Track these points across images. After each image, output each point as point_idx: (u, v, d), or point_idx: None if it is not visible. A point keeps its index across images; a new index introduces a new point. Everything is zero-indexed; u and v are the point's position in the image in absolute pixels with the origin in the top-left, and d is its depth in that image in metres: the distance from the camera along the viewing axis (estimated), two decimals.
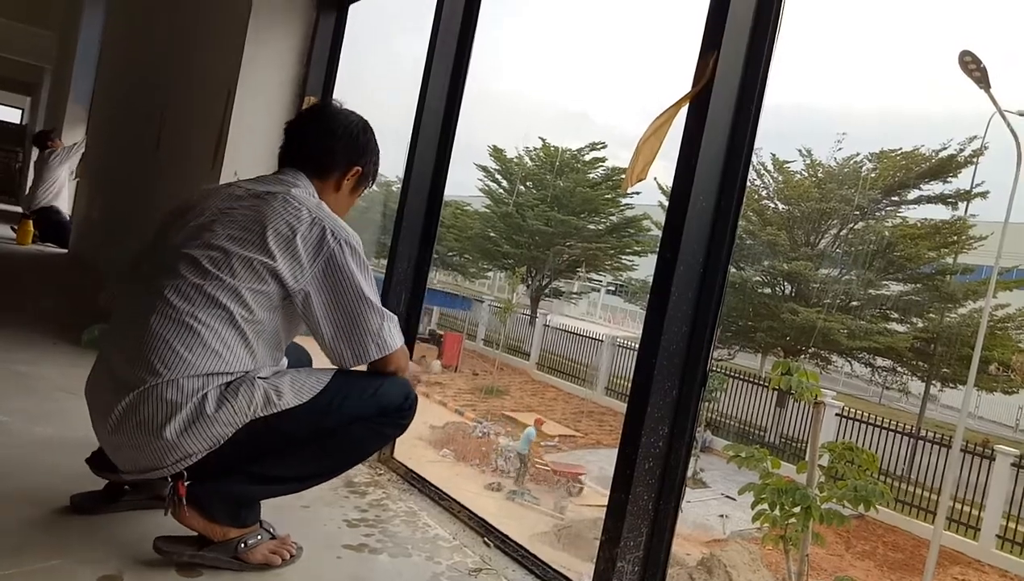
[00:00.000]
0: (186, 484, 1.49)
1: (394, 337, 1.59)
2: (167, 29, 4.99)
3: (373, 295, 1.55)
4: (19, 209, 8.10)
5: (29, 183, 8.33)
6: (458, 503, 2.36)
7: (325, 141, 1.70)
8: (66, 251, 7.27)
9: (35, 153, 8.37)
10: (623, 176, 1.72)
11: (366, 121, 1.78)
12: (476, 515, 2.29)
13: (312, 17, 3.50)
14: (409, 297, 2.68)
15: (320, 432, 1.58)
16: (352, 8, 3.60)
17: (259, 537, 1.67)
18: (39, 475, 1.97)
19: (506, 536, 2.15)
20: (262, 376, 1.51)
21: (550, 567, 1.97)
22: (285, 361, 1.73)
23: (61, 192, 7.76)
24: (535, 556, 2.03)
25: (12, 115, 22.27)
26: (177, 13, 4.82)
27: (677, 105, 1.59)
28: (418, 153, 2.67)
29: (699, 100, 1.56)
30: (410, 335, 2.69)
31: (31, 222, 7.41)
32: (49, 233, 7.53)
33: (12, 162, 16.42)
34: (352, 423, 1.61)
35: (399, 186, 2.86)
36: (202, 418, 1.43)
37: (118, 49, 6.78)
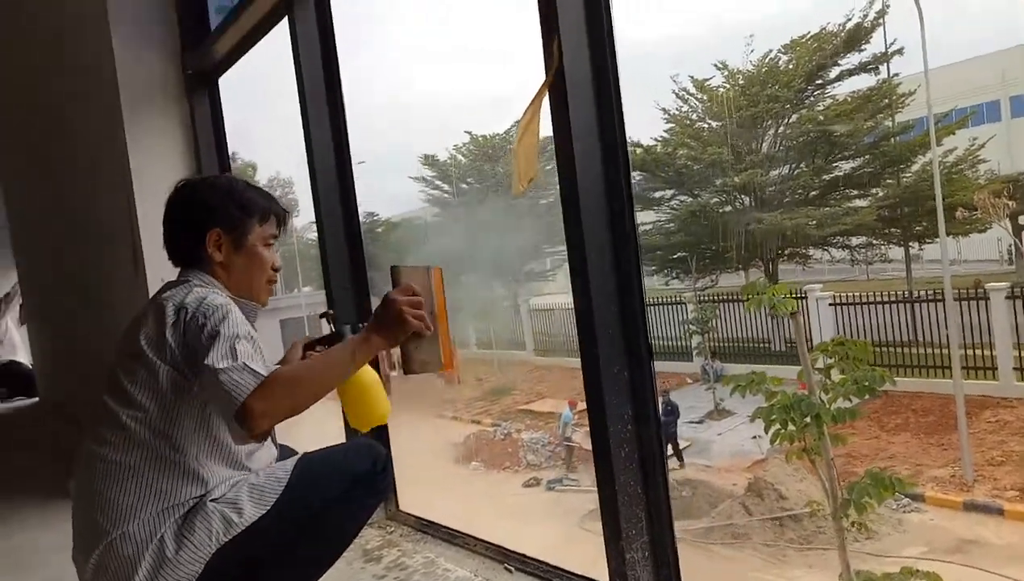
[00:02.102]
0: None
1: (236, 383, 1.25)
2: (56, 156, 4.89)
3: (224, 348, 1.30)
4: None
5: None
6: (472, 537, 2.34)
7: (173, 232, 1.58)
8: (37, 399, 7.14)
9: None
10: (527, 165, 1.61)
11: (205, 181, 1.66)
12: (493, 544, 2.26)
13: (185, 105, 3.43)
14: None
15: (299, 530, 1.50)
16: (223, 80, 3.53)
17: None
18: None
19: (525, 556, 2.13)
20: (214, 498, 1.44)
21: (573, 574, 1.95)
22: (272, 452, 1.62)
23: (14, 344, 7.63)
24: (557, 568, 2.01)
25: None
26: (58, 139, 4.71)
27: (538, 97, 1.55)
28: (321, 197, 2.64)
29: (556, 85, 1.52)
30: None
31: None
32: (15, 387, 7.38)
33: None
34: (328, 509, 1.53)
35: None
36: (165, 563, 1.38)
37: (20, 188, 6.64)
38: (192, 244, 1.54)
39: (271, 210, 1.61)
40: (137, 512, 1.38)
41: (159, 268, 3.40)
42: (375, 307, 1.40)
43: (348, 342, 1.39)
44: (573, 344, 17.01)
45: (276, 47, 3.27)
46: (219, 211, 1.55)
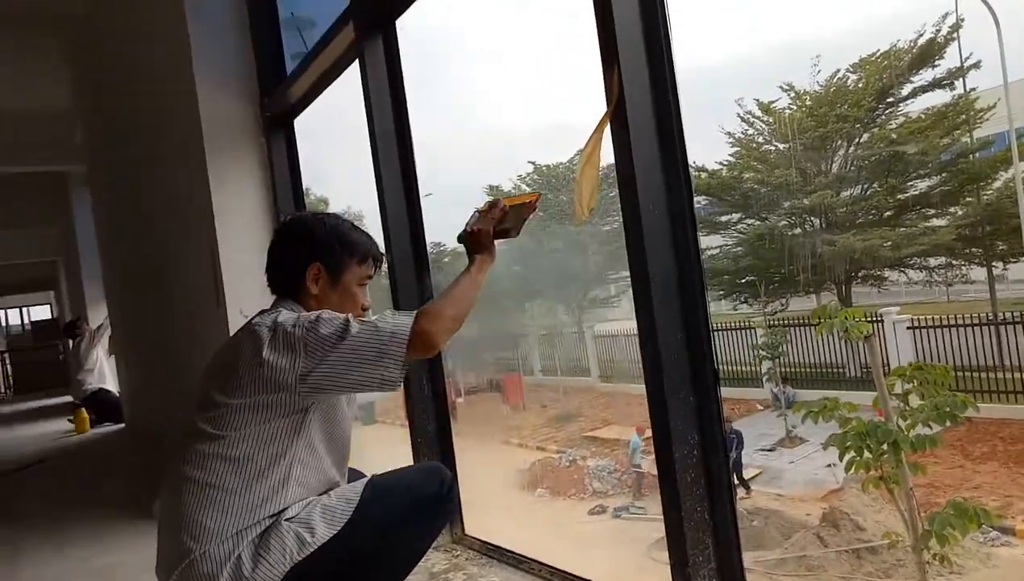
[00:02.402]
0: None
1: (395, 323, 1.47)
2: (142, 196, 5.18)
3: (355, 325, 1.47)
4: (71, 398, 8.39)
5: (72, 373, 8.65)
6: (539, 562, 2.35)
7: (276, 262, 1.70)
8: (123, 426, 7.49)
9: (71, 343, 8.70)
10: (586, 196, 1.68)
11: (307, 216, 1.75)
12: (560, 570, 2.27)
13: (262, 144, 3.61)
14: (429, 373, 2.71)
15: (367, 551, 1.56)
16: (298, 121, 3.71)
17: None
18: None
19: None
20: (289, 517, 1.50)
21: None
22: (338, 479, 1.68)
23: (103, 372, 8.04)
24: None
25: (42, 311, 23.22)
26: (146, 179, 5.00)
27: (600, 128, 1.60)
28: (391, 230, 2.74)
29: (617, 116, 1.57)
30: (442, 406, 2.72)
31: (84, 409, 7.67)
32: (103, 414, 7.77)
33: (55, 356, 17.10)
34: (396, 530, 1.58)
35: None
36: (242, 578, 1.44)
37: (109, 224, 7.05)
38: (292, 274, 1.65)
39: (371, 252, 1.72)
40: (218, 532, 1.46)
41: (239, 301, 3.58)
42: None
43: (470, 269, 1.60)
44: (638, 370, 16.82)
45: (348, 86, 3.43)
46: (323, 246, 1.66)
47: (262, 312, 1.66)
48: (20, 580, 3.02)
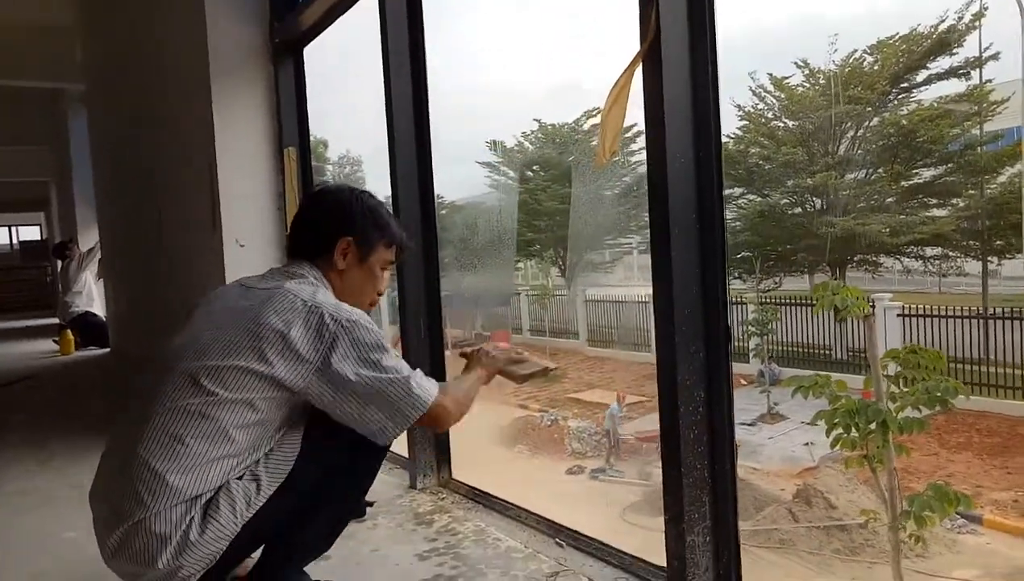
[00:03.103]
0: None
1: (424, 390, 1.51)
2: (143, 117, 5.06)
3: (389, 361, 1.49)
4: (57, 320, 8.33)
5: (60, 294, 8.59)
6: (524, 509, 2.35)
7: (303, 227, 1.69)
8: (109, 350, 7.46)
9: (59, 264, 8.62)
10: (609, 144, 1.67)
11: (347, 190, 1.73)
12: (544, 518, 2.27)
13: (270, 71, 3.51)
14: (427, 319, 2.67)
15: (311, 488, 1.54)
16: (312, 45, 3.59)
17: None
18: None
19: (578, 532, 2.13)
20: (238, 476, 1.46)
21: (626, 554, 1.94)
22: None
23: (91, 296, 7.98)
24: (610, 546, 2.00)
25: (33, 233, 22.98)
26: (147, 100, 4.88)
27: (630, 68, 1.53)
28: (399, 171, 2.66)
29: (651, 56, 1.50)
30: (437, 354, 2.69)
31: (69, 331, 7.62)
32: (89, 337, 7.73)
33: (43, 277, 16.99)
34: (337, 475, 1.58)
35: None
36: (189, 545, 1.39)
37: (106, 146, 6.91)
38: (322, 243, 1.64)
39: (398, 239, 1.74)
40: (181, 493, 1.39)
41: (235, 229, 3.52)
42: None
43: (475, 375, 1.74)
44: (627, 337, 16.90)
45: (354, 25, 3.33)
46: (359, 223, 1.67)
47: (277, 273, 1.63)
48: (7, 491, 3.01)
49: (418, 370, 1.54)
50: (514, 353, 1.83)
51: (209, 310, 1.56)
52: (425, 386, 1.51)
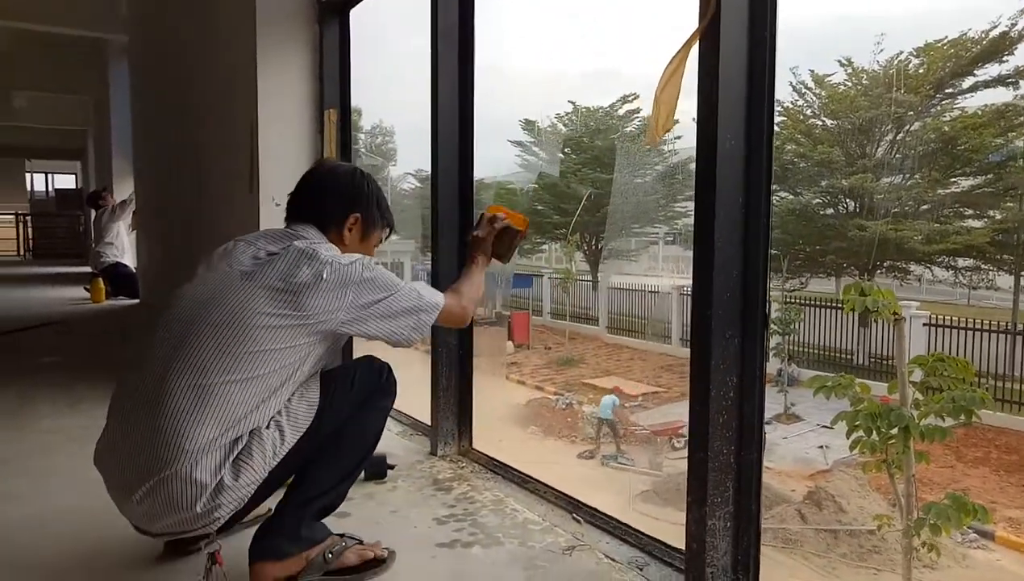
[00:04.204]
0: (220, 552, 1.60)
1: (434, 294, 1.71)
2: (184, 72, 5.10)
3: (399, 285, 1.64)
4: (89, 269, 8.47)
5: (92, 243, 8.72)
6: (543, 483, 2.36)
7: (317, 195, 1.76)
8: (138, 301, 7.57)
9: (93, 214, 8.74)
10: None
11: (358, 170, 1.84)
12: (563, 493, 2.28)
13: (315, 31, 3.51)
14: None
15: (326, 441, 1.66)
16: (354, 11, 3.59)
17: (344, 544, 1.74)
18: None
19: (596, 509, 2.14)
20: (266, 424, 1.55)
21: (644, 534, 1.95)
22: None
23: (123, 246, 8.09)
24: (627, 525, 2.02)
25: (67, 181, 23.32)
26: (190, 55, 4.91)
27: (687, 45, 1.52)
28: (440, 145, 2.66)
29: (709, 35, 1.48)
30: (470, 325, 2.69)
31: (101, 279, 7.74)
32: (119, 287, 7.85)
33: (76, 225, 17.26)
34: (349, 418, 1.70)
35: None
36: (225, 488, 1.46)
37: (146, 99, 6.97)
38: (334, 213, 1.74)
39: (391, 223, 1.89)
40: (215, 443, 1.45)
41: (271, 187, 3.54)
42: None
43: (476, 263, 1.93)
44: (650, 326, 16.85)
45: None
46: (370, 202, 1.80)
47: (280, 234, 1.69)
48: (40, 427, 3.09)
49: (420, 283, 1.73)
50: (493, 218, 1.98)
51: (221, 269, 1.60)
52: (432, 291, 1.72)
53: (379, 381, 1.77)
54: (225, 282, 1.54)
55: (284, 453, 1.55)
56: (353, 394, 1.70)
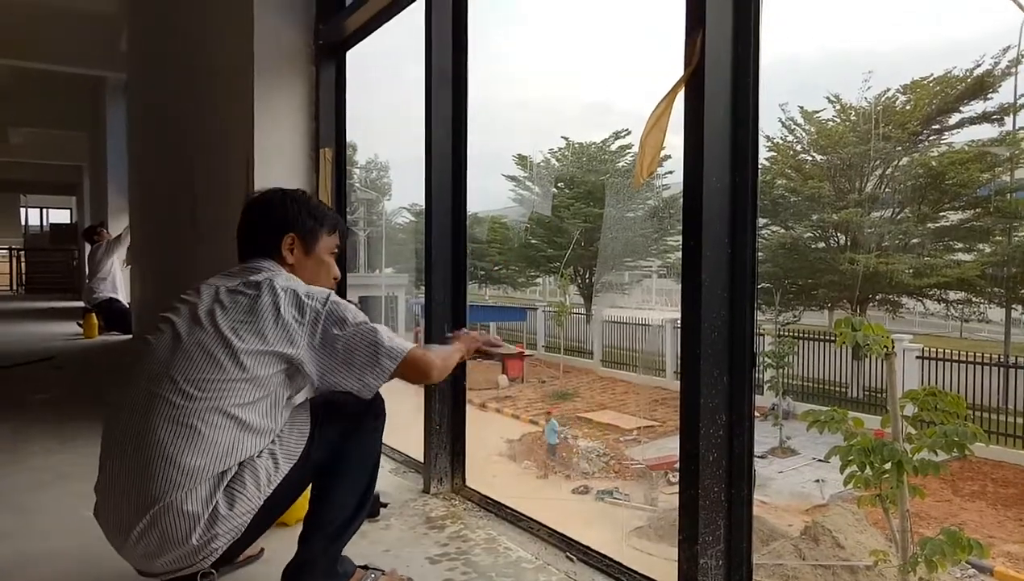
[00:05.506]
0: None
1: (396, 342, 1.63)
2: (183, 108, 5.16)
3: (360, 324, 1.60)
4: (82, 304, 8.46)
5: (87, 278, 8.72)
6: (536, 521, 2.36)
7: (251, 230, 1.78)
8: (131, 336, 7.55)
9: (88, 248, 8.76)
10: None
11: (285, 193, 1.82)
12: (556, 531, 2.28)
13: (311, 72, 3.57)
14: (451, 323, 2.70)
15: (328, 469, 1.66)
16: (351, 51, 3.66)
17: (373, 576, 1.78)
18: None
19: (588, 548, 2.14)
20: (258, 453, 1.55)
21: (636, 572, 1.94)
22: None
23: (116, 282, 8.09)
24: (620, 563, 2.01)
25: (63, 216, 23.36)
26: (188, 94, 4.97)
27: (673, 92, 1.56)
28: (434, 180, 2.70)
29: (694, 82, 1.53)
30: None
31: (94, 315, 7.73)
32: (112, 322, 7.84)
33: (70, 260, 17.23)
34: (345, 443, 1.69)
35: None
36: (219, 519, 1.46)
37: (142, 135, 7.03)
38: (269, 245, 1.75)
39: (337, 224, 1.86)
40: (205, 471, 1.45)
41: None
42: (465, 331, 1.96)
43: (454, 346, 1.84)
44: (644, 360, 16.84)
45: (387, 32, 3.39)
46: (295, 217, 1.77)
47: (239, 271, 1.71)
48: (30, 464, 3.07)
49: (387, 328, 1.65)
50: (493, 338, 1.95)
51: (188, 311, 1.62)
52: (396, 339, 1.63)
53: (368, 403, 1.73)
54: (193, 320, 1.58)
55: (278, 481, 1.55)
56: (342, 419, 1.69)
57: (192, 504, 1.43)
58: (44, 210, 23.90)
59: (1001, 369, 11.50)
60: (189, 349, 1.52)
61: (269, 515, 1.60)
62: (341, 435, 1.68)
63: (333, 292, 1.65)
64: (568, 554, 2.13)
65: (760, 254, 15.49)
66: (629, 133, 19.94)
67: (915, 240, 13.66)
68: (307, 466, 1.61)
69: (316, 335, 1.55)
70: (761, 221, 15.48)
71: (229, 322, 1.53)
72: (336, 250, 1.86)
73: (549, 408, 14.25)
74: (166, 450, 1.44)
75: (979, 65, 12.77)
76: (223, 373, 1.48)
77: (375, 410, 1.77)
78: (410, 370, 1.63)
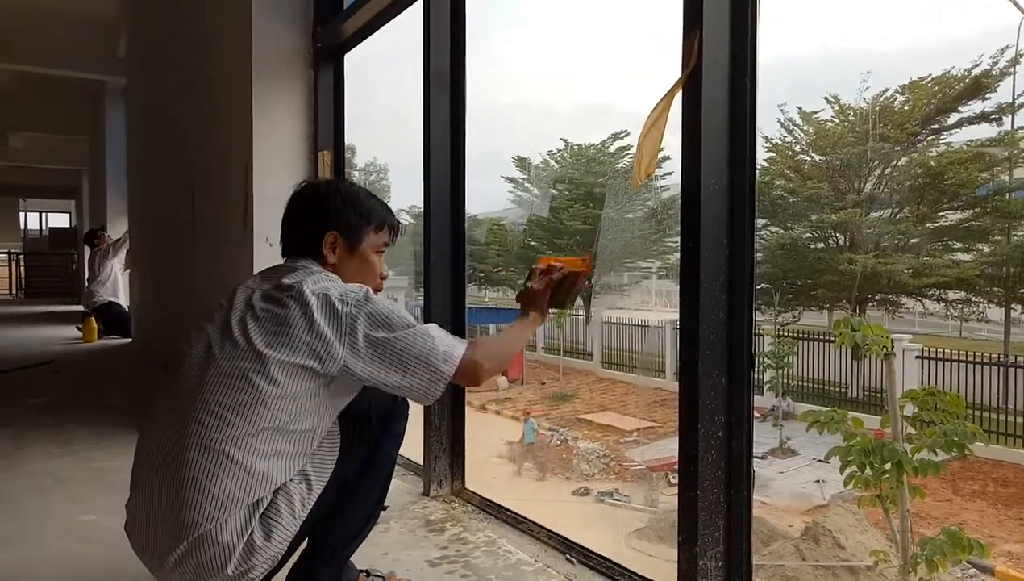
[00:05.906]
0: None
1: (454, 344, 1.50)
2: (182, 111, 5.16)
3: (408, 326, 1.47)
4: (81, 307, 8.46)
5: (86, 282, 8.73)
6: (536, 524, 2.36)
7: (294, 225, 1.67)
8: (131, 340, 7.56)
9: (88, 252, 8.76)
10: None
11: (330, 184, 1.72)
12: (556, 533, 2.28)
13: (310, 75, 3.57)
14: (451, 326, 2.70)
15: (352, 479, 1.61)
16: (349, 54, 3.66)
17: None
18: (129, 570, 2.04)
19: (588, 549, 2.14)
20: (289, 477, 1.47)
21: (636, 574, 1.94)
22: None
23: (116, 286, 8.10)
24: (620, 565, 2.01)
25: (62, 220, 23.38)
26: (187, 97, 4.98)
27: (671, 93, 1.56)
28: (432, 182, 2.71)
29: (691, 83, 1.53)
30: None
31: (93, 319, 7.73)
32: (112, 326, 7.84)
33: (69, 264, 17.25)
34: (369, 454, 1.64)
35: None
36: (256, 550, 1.40)
37: (142, 139, 7.04)
38: (310, 243, 1.62)
39: (387, 221, 1.71)
40: (240, 501, 1.38)
41: (265, 227, 3.57)
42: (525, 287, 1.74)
43: (523, 321, 1.70)
44: (643, 361, 16.84)
45: (387, 33, 3.40)
46: (339, 214, 1.64)
47: (278, 270, 1.60)
48: (29, 469, 3.07)
49: (436, 326, 1.52)
50: (555, 274, 1.73)
51: (221, 322, 1.52)
52: (448, 341, 1.49)
53: (393, 404, 1.68)
54: (224, 332, 1.48)
55: (312, 504, 1.48)
56: (371, 427, 1.62)
57: (227, 535, 1.36)
58: (43, 214, 23.92)
59: (1000, 368, 11.50)
60: (222, 366, 1.42)
61: (301, 537, 1.54)
62: (369, 444, 1.62)
63: (369, 289, 1.51)
64: (568, 556, 2.13)
65: (759, 255, 15.53)
66: (628, 134, 19.97)
67: (914, 240, 13.67)
68: (336, 482, 1.55)
69: (358, 342, 1.43)
70: (760, 222, 15.49)
71: (262, 334, 1.43)
72: (385, 247, 1.73)
73: (526, 409, 14.29)
74: (198, 477, 1.36)
75: (977, 65, 12.79)
76: (257, 394, 1.38)
77: (400, 412, 1.69)
78: (462, 375, 1.49)
